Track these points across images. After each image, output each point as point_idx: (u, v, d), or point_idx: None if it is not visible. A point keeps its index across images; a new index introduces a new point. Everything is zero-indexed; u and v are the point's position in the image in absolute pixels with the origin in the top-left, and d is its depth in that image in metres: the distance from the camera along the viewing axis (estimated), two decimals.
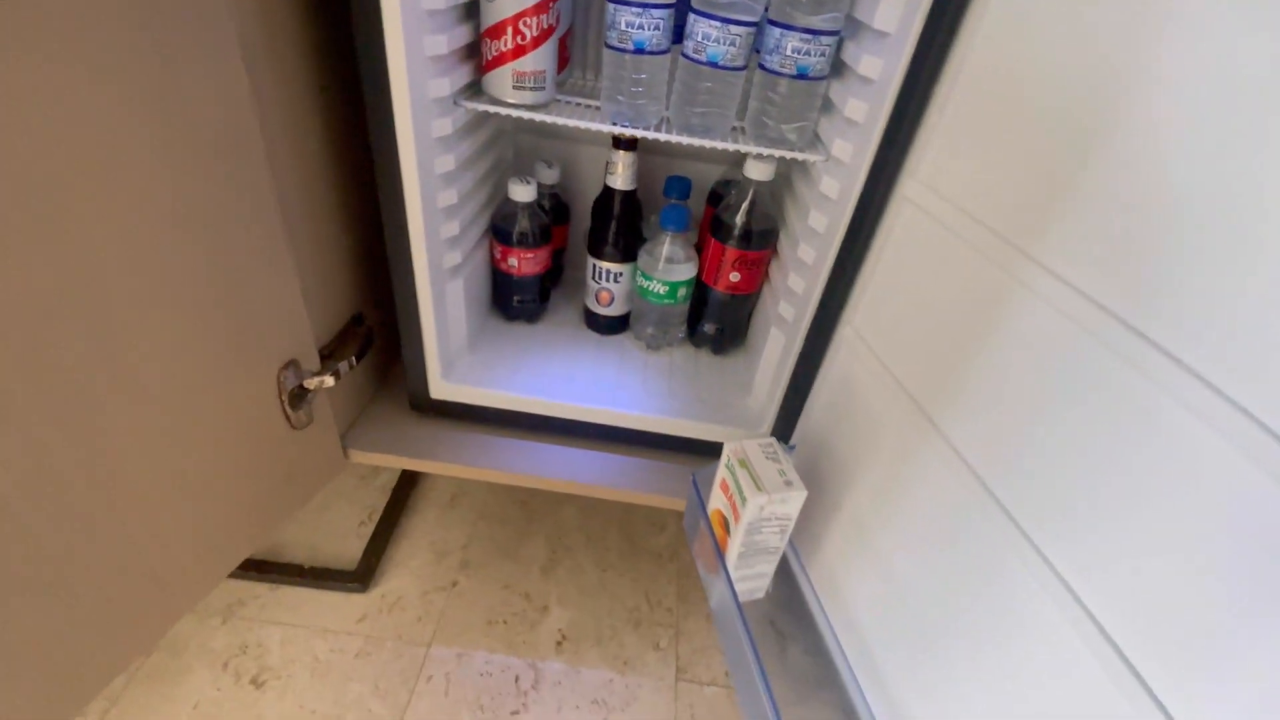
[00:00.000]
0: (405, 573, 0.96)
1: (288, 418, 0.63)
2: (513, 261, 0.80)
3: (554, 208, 0.86)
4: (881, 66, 0.53)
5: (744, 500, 0.48)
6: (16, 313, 0.38)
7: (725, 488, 0.53)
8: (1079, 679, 0.34)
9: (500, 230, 0.79)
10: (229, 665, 0.83)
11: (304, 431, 0.66)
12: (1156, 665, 0.31)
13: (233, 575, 0.90)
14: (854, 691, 0.50)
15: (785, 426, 0.73)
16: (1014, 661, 0.39)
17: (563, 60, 0.71)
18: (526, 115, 0.64)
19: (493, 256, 0.82)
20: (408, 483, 1.09)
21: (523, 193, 0.75)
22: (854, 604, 0.55)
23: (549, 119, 0.64)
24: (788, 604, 0.57)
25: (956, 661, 0.44)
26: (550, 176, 0.83)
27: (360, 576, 0.93)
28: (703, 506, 0.58)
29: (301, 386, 0.64)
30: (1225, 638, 0.29)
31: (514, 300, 0.85)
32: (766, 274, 0.81)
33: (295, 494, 0.70)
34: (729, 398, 0.82)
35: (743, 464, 0.50)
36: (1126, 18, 0.35)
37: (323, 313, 0.69)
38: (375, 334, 0.76)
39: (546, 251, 0.81)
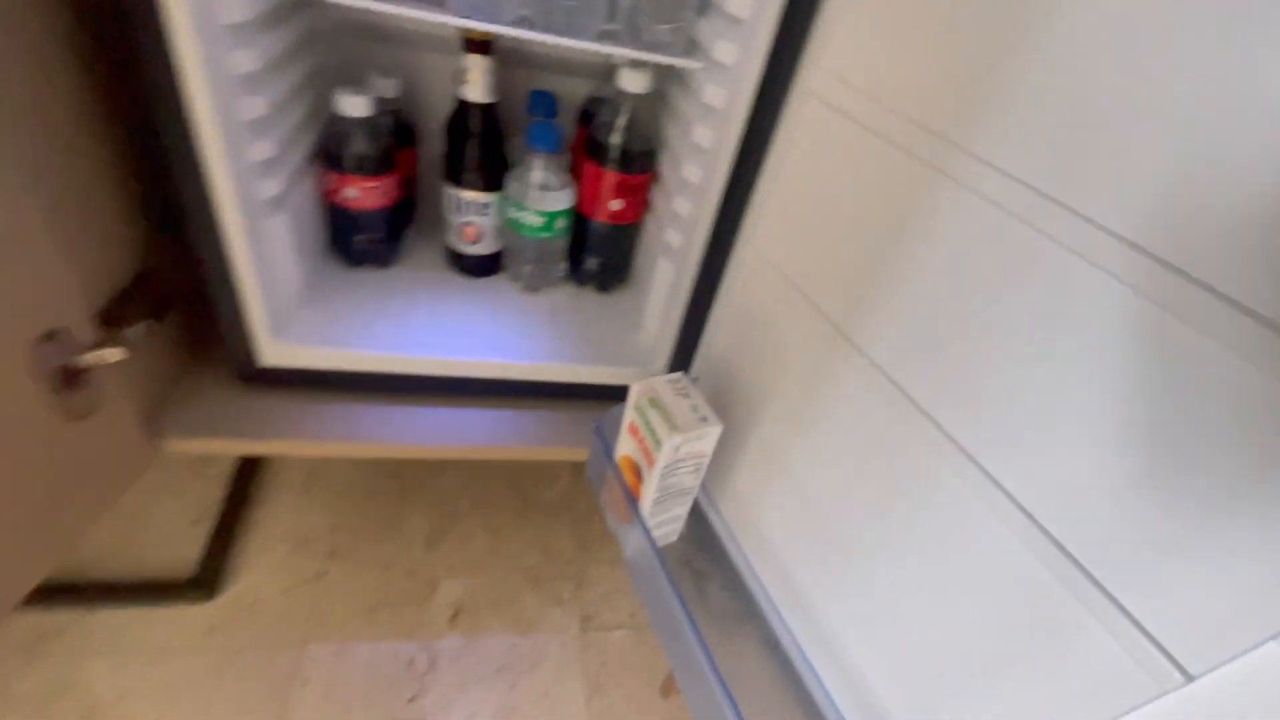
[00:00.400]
0: (260, 571, 0.83)
1: (59, 404, 0.48)
2: (350, 192, 0.67)
3: (397, 130, 0.72)
4: None
5: (658, 441, 0.44)
6: None
7: (635, 431, 0.48)
8: (1013, 572, 0.34)
9: (331, 155, 0.65)
10: (49, 711, 0.66)
11: (87, 421, 0.51)
12: (1093, 551, 0.31)
13: (28, 606, 0.72)
14: (775, 621, 0.49)
15: (682, 361, 0.70)
16: (943, 562, 0.39)
17: None
18: (347, 0, 0.51)
19: (325, 188, 0.68)
20: (249, 468, 0.93)
21: (354, 105, 0.62)
22: (769, 532, 0.54)
23: (379, 6, 0.51)
24: (701, 542, 0.55)
25: (879, 571, 0.43)
26: (388, 89, 0.69)
27: (202, 583, 0.78)
28: (609, 454, 0.53)
29: (72, 363, 0.48)
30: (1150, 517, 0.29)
31: (357, 241, 0.72)
32: (649, 201, 0.75)
33: (90, 500, 0.55)
34: (618, 337, 0.76)
35: (653, 403, 0.45)
36: None
37: (97, 265, 0.53)
38: (179, 289, 0.61)
39: (393, 180, 0.69)
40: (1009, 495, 0.35)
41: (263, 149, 0.54)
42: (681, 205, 0.63)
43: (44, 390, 0.47)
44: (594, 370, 0.72)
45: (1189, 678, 0.27)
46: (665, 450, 0.44)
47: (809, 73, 0.49)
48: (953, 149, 0.37)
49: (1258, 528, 0.25)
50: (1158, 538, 0.28)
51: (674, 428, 0.44)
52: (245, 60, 0.50)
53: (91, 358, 0.49)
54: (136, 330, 0.53)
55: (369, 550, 0.88)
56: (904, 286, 0.41)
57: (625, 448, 0.51)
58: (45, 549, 0.51)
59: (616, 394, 0.74)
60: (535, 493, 1.02)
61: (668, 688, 0.84)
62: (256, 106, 0.52)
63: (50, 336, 0.47)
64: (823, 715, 0.43)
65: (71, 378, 0.49)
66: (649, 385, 0.47)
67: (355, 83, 0.63)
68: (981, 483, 0.36)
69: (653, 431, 0.45)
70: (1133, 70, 0.29)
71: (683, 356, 0.70)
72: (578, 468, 1.08)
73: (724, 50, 0.54)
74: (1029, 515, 0.34)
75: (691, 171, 0.61)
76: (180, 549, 0.82)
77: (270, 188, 0.57)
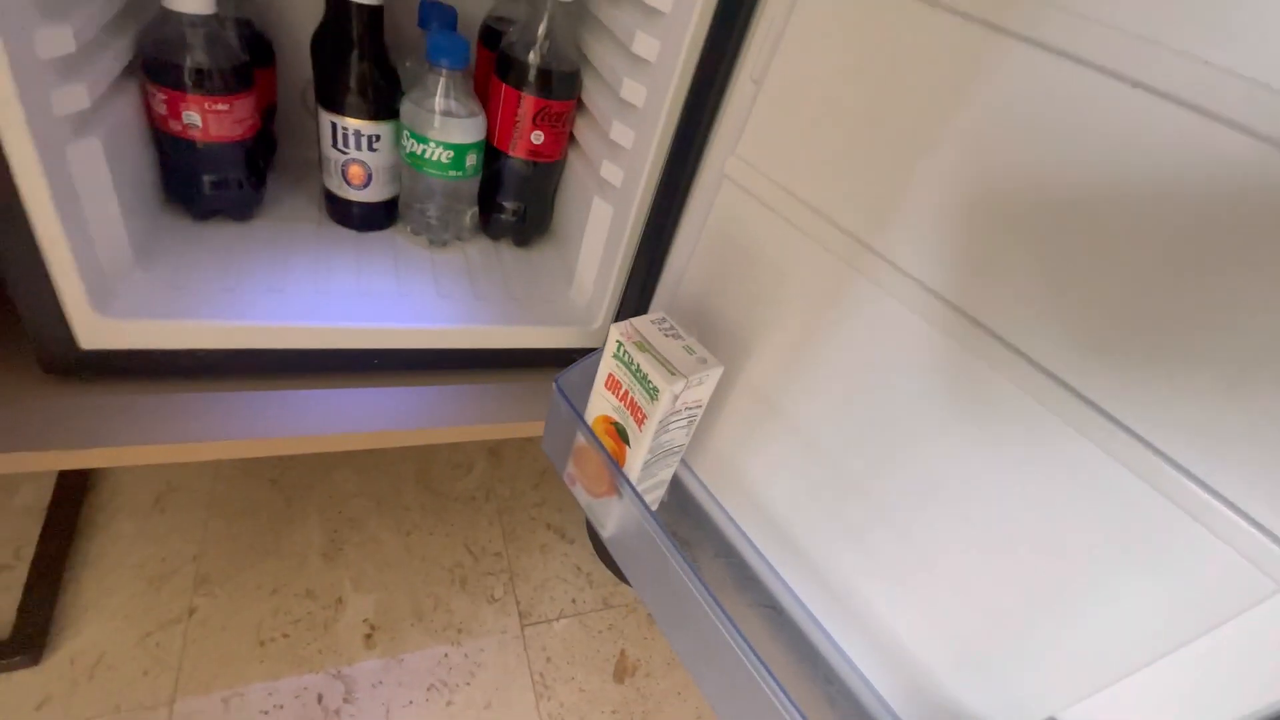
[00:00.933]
0: (104, 618, 0.65)
1: None
2: (192, 118, 0.51)
3: (250, 45, 0.57)
4: None
5: (653, 391, 0.36)
6: None
7: (615, 385, 0.40)
8: (1103, 486, 0.31)
9: (160, 65, 0.49)
10: None
11: None
12: (1194, 454, 0.28)
13: None
14: (774, 582, 0.43)
15: (630, 315, 0.62)
16: (1011, 490, 0.35)
17: None
18: None
19: (154, 113, 0.51)
20: (72, 490, 0.73)
21: (191, 1, 0.47)
22: (761, 490, 0.48)
23: None
24: (679, 508, 0.48)
25: (919, 515, 0.39)
26: None
27: (23, 644, 0.60)
28: (580, 416, 0.44)
29: None
30: None
31: (205, 184, 0.56)
32: (572, 136, 0.66)
33: None
34: (546, 295, 0.67)
35: (641, 347, 0.38)
36: None
37: None
38: None
39: (248, 103, 0.54)
40: (1092, 404, 0.31)
41: (59, 38, 0.39)
42: (621, 133, 0.55)
43: None
44: (521, 332, 0.62)
45: None
46: (664, 399, 0.36)
47: None
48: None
49: None
50: (1257, 411, 0.26)
51: (673, 372, 0.36)
52: None
53: None
54: None
55: (250, 573, 0.73)
56: (938, 180, 0.35)
57: (601, 407, 0.43)
58: None
59: (546, 360, 0.66)
60: (447, 485, 0.91)
61: (621, 672, 0.78)
62: None
63: None
64: (843, 680, 0.39)
65: None
66: (632, 327, 0.39)
67: None
68: (1053, 391, 0.32)
69: (644, 380, 0.37)
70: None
71: (631, 310, 0.62)
72: (493, 452, 0.97)
73: None
74: (1107, 415, 0.30)
75: (633, 91, 0.53)
76: None
77: (73, 97, 0.41)
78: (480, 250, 0.69)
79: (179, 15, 0.48)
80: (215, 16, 0.49)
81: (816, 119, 0.41)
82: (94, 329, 0.48)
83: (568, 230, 0.70)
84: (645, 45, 0.51)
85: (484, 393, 0.64)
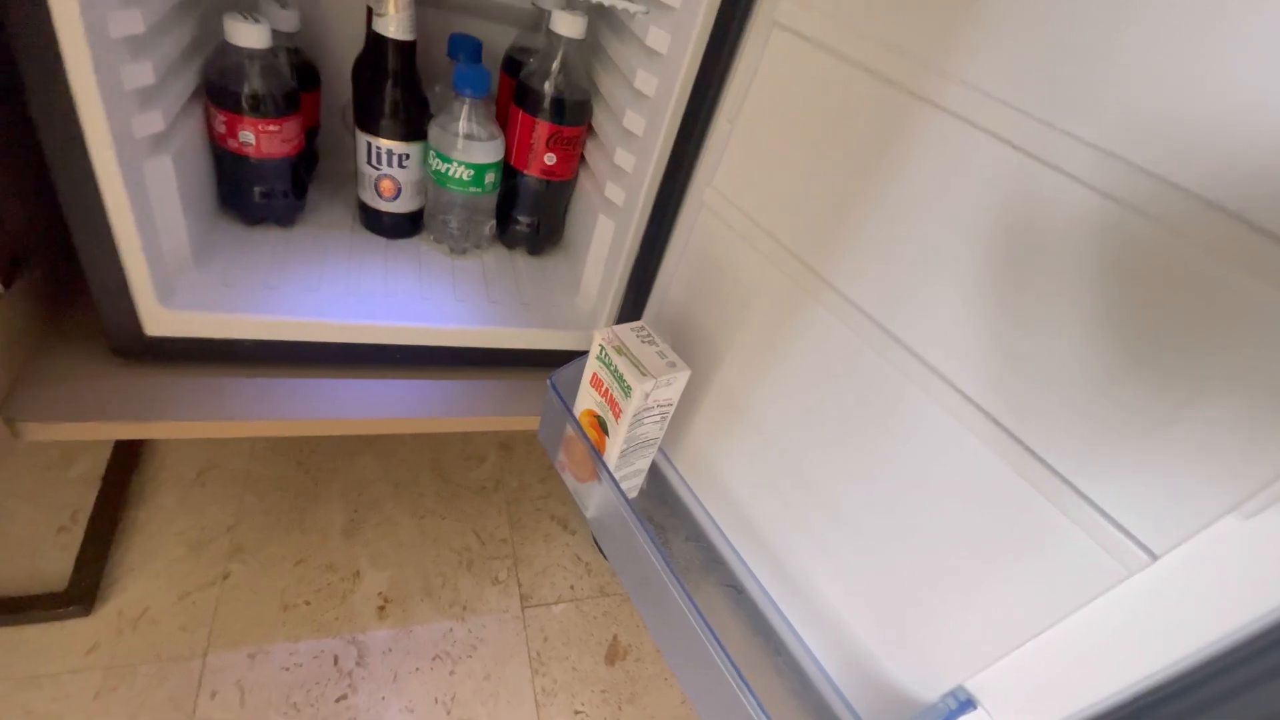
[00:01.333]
0: (148, 577, 0.72)
1: None
2: (247, 137, 0.59)
3: (298, 70, 0.65)
4: None
5: (627, 389, 0.42)
6: None
7: (598, 383, 0.45)
8: (982, 478, 0.36)
9: (221, 91, 0.57)
10: None
11: None
12: (1056, 448, 0.33)
13: None
14: (739, 567, 0.49)
15: (625, 320, 0.68)
16: (913, 478, 0.40)
17: None
18: None
19: (214, 131, 0.59)
20: (124, 463, 0.81)
21: (250, 35, 0.54)
22: (729, 480, 0.54)
23: None
24: (660, 498, 0.54)
25: (845, 500, 0.44)
26: (286, 21, 0.61)
27: (77, 596, 0.67)
28: (569, 409, 0.50)
29: None
30: None
31: (255, 194, 0.63)
32: (582, 156, 0.72)
33: None
34: (554, 301, 0.73)
35: (619, 350, 0.43)
36: None
37: None
38: (32, 245, 0.51)
39: (295, 124, 0.61)
40: (972, 401, 0.36)
41: (141, 73, 0.46)
42: (624, 158, 0.61)
43: None
44: (530, 334, 0.69)
45: (1153, 557, 0.29)
46: (635, 397, 0.42)
47: (771, 2, 0.48)
48: (941, 79, 0.38)
49: (1210, 411, 0.28)
50: (1116, 426, 0.31)
51: (644, 373, 0.42)
52: None
53: None
54: None
55: (279, 544, 0.80)
56: (869, 219, 0.41)
57: (586, 402, 0.48)
58: None
59: (552, 360, 0.72)
60: (461, 474, 0.97)
61: (612, 656, 0.83)
62: (132, 22, 0.44)
63: None
64: (790, 653, 0.44)
65: None
66: (613, 334, 0.45)
67: (248, 9, 0.55)
68: (945, 392, 0.37)
69: (620, 379, 0.43)
70: None
71: (628, 317, 0.68)
72: (505, 446, 1.04)
73: None
74: (993, 420, 0.35)
75: (634, 121, 0.59)
76: (46, 560, 0.70)
77: (152, 122, 0.49)
78: (496, 258, 0.76)
79: (239, 49, 0.55)
80: (270, 49, 0.56)
81: (777, 158, 0.47)
82: (157, 319, 0.55)
83: (577, 242, 0.76)
84: (645, 81, 0.57)
85: (494, 388, 0.70)
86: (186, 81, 0.55)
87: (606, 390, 0.45)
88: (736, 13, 0.48)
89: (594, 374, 0.47)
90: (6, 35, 0.40)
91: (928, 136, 0.38)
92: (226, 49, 0.55)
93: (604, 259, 0.68)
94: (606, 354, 0.44)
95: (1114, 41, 0.30)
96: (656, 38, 0.54)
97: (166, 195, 0.53)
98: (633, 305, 0.67)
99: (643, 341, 0.45)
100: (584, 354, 0.58)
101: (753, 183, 0.50)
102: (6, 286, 0.52)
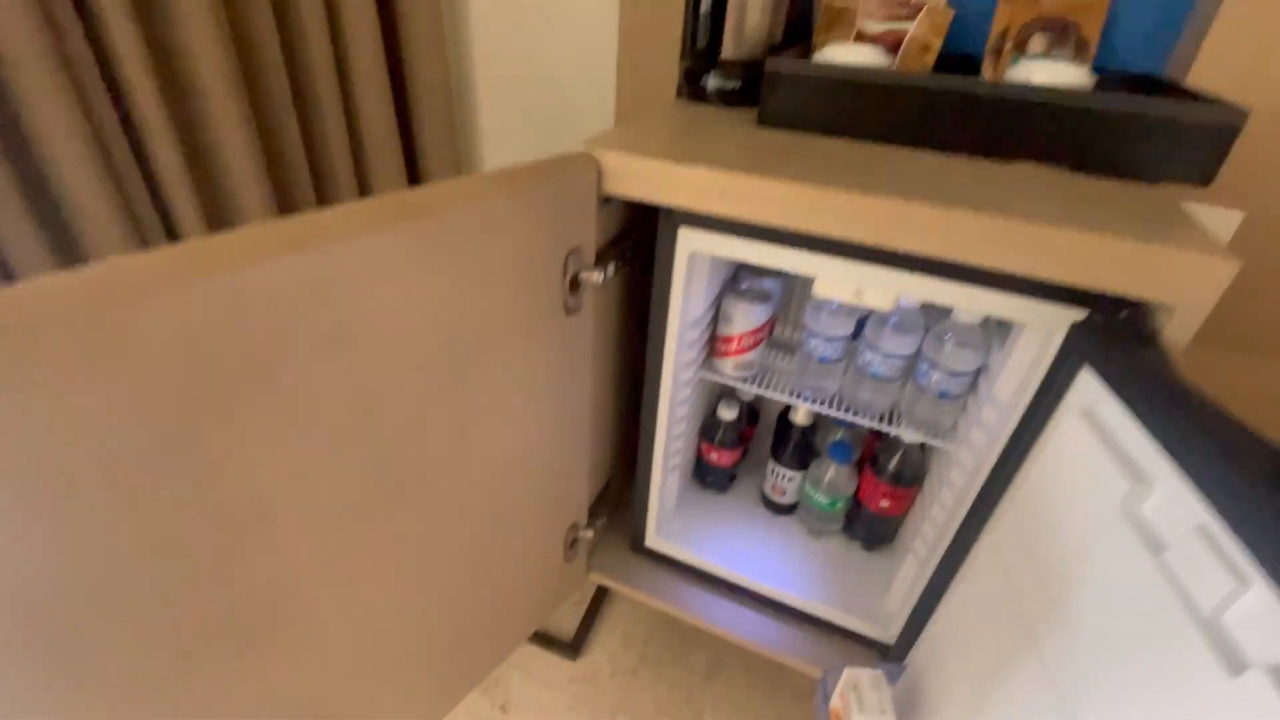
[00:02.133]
0: (602, 652, 1.30)
1: (565, 555, 1.00)
2: (713, 456, 1.11)
3: (749, 412, 1.16)
4: (1011, 391, 0.73)
5: (849, 715, 0.71)
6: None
7: (843, 697, 0.75)
8: None
9: (708, 432, 1.11)
10: (485, 692, 1.22)
11: (570, 565, 1.02)
12: None
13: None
14: None
15: (911, 635, 0.93)
16: None
17: (769, 330, 1.01)
18: (742, 386, 0.95)
19: (700, 447, 1.14)
20: (595, 604, 1.43)
21: (727, 413, 1.06)
22: None
23: (755, 390, 0.94)
24: None
25: None
26: (749, 393, 1.13)
27: (573, 647, 1.28)
28: (826, 701, 0.81)
29: (576, 538, 1.00)
30: None
31: (709, 478, 1.16)
32: (913, 500, 1.02)
33: (558, 598, 1.06)
34: (870, 593, 1.03)
35: (854, 688, 0.73)
36: None
37: (592, 482, 1.06)
38: (620, 498, 1.12)
39: (739, 452, 1.11)
40: None
41: (676, 431, 1.01)
42: (931, 522, 0.89)
43: (564, 548, 0.98)
44: (844, 616, 1.00)
45: None
46: None
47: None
48: None
49: None
50: None
51: (861, 710, 0.70)
52: (681, 403, 0.97)
53: (583, 534, 1.00)
54: (600, 522, 1.04)
55: (666, 666, 1.28)
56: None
57: (836, 702, 0.78)
58: (539, 617, 1.02)
59: (854, 637, 1.00)
60: (787, 675, 1.30)
61: None
62: (680, 424, 0.99)
63: (573, 525, 0.99)
64: None
65: (570, 546, 1.00)
66: (855, 674, 0.75)
67: (729, 395, 1.08)
68: None
69: (848, 707, 0.72)
70: None
71: (911, 632, 0.93)
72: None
73: (977, 436, 0.81)
74: None
75: (943, 500, 0.87)
76: (567, 621, 1.34)
77: (676, 453, 1.04)
78: (839, 545, 1.11)
79: (720, 419, 1.07)
80: (735, 420, 1.07)
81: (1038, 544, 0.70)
82: (653, 539, 1.10)
83: (902, 549, 1.05)
84: (954, 477, 0.85)
85: (808, 640, 1.03)
86: (691, 430, 1.10)
87: (845, 708, 0.74)
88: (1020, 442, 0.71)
89: (841, 691, 0.76)
90: (642, 396, 0.98)
91: None
92: (715, 414, 1.09)
93: (909, 583, 0.95)
94: (847, 685, 0.74)
95: None
96: (965, 456, 0.83)
97: (671, 486, 1.08)
98: (917, 626, 0.92)
99: (874, 688, 0.73)
100: (876, 643, 0.87)
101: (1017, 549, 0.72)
102: (609, 517, 1.14)
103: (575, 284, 0.73)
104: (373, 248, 0.49)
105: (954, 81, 0.71)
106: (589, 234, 0.72)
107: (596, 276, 0.74)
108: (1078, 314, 0.60)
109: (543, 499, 0.88)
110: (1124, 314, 0.56)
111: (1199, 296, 0.52)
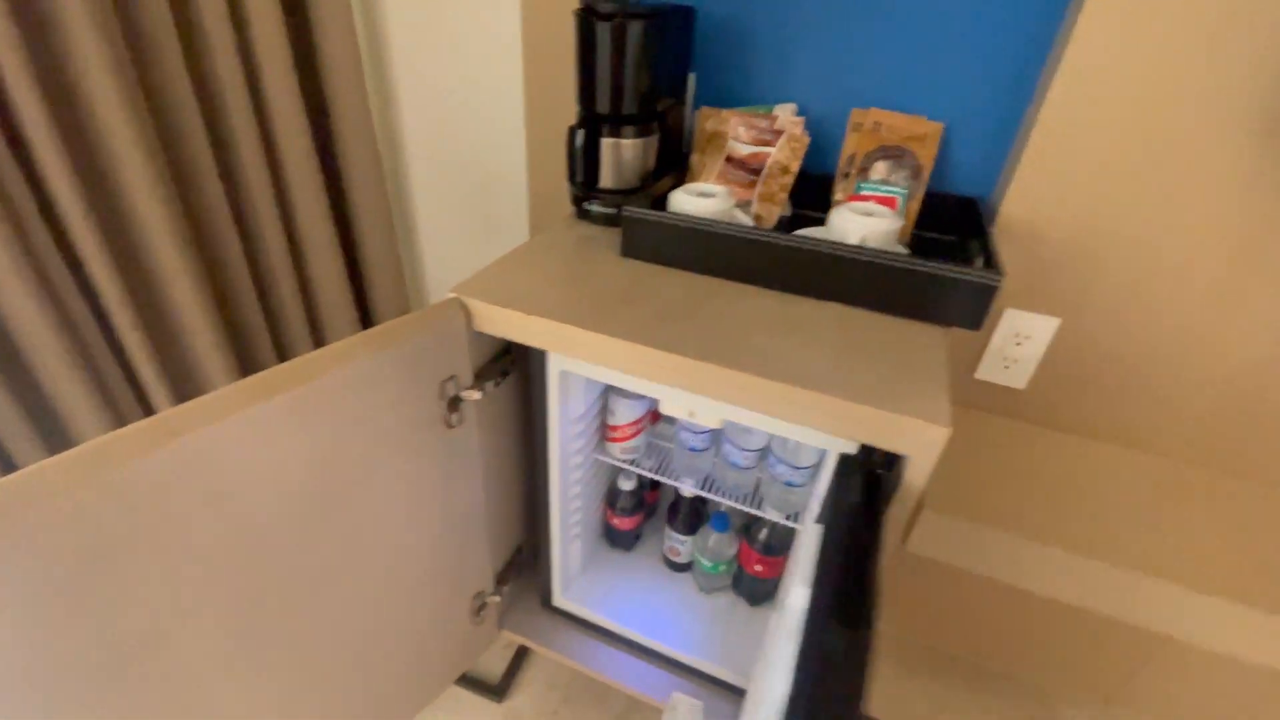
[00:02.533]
0: (526, 695, 1.41)
1: (471, 620, 1.11)
2: (615, 521, 1.23)
3: (650, 480, 1.28)
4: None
5: None
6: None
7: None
8: None
9: (611, 500, 1.23)
10: None
11: (479, 627, 1.14)
12: None
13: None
14: None
15: None
16: None
17: (652, 419, 1.14)
18: (627, 468, 1.07)
19: (605, 512, 1.26)
20: (515, 662, 1.54)
21: (626, 484, 1.18)
22: None
23: (640, 472, 1.06)
24: None
25: None
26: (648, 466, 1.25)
27: (499, 690, 1.39)
28: None
29: (484, 603, 1.11)
30: None
31: (615, 539, 1.28)
32: (786, 564, 1.14)
33: (469, 657, 1.18)
34: (751, 646, 1.15)
35: (673, 710, 0.85)
36: None
37: (503, 549, 1.17)
38: (528, 560, 1.23)
39: (639, 517, 1.23)
40: None
41: (573, 506, 1.13)
42: (795, 561, 1.02)
43: (471, 613, 1.10)
44: (722, 670, 1.12)
45: None
46: None
47: None
48: None
49: None
50: None
51: None
52: (574, 481, 1.09)
53: (490, 600, 1.12)
54: (508, 588, 1.15)
55: (589, 708, 1.40)
56: None
57: None
58: (451, 673, 1.13)
59: (737, 689, 1.13)
60: None
61: None
62: (575, 489, 1.11)
63: (479, 593, 1.10)
64: None
65: (478, 610, 1.12)
66: (679, 700, 0.87)
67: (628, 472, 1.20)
68: None
69: None
70: None
71: None
72: None
73: (813, 512, 0.93)
74: None
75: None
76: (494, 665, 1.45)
77: (576, 523, 1.16)
78: (727, 601, 1.23)
79: (620, 489, 1.19)
80: (635, 490, 1.19)
81: None
82: (559, 599, 1.21)
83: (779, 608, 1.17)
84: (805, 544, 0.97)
85: (689, 689, 1.15)
86: (594, 499, 1.22)
87: None
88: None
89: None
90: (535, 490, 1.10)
91: None
92: (614, 486, 1.21)
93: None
94: (668, 710, 0.86)
95: None
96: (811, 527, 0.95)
97: (574, 550, 1.19)
98: None
99: (689, 715, 0.85)
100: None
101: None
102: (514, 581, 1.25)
103: (455, 402, 0.85)
104: (245, 421, 0.60)
105: (771, 236, 0.84)
106: (464, 363, 0.83)
107: (475, 395, 0.85)
108: (852, 446, 0.72)
109: (441, 577, 0.99)
110: (877, 454, 0.69)
111: (923, 450, 0.65)
